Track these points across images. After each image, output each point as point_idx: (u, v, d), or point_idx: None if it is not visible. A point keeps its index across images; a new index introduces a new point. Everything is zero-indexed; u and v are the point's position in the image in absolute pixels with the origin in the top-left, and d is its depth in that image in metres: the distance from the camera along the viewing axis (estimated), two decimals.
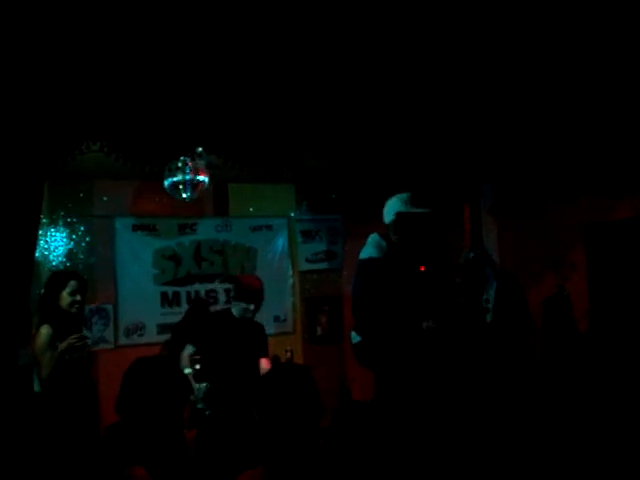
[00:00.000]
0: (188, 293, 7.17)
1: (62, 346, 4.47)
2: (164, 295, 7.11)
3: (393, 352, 4.19)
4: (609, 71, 4.35)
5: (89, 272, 6.54)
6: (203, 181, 5.86)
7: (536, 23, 4.10)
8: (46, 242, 6.59)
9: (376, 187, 6.92)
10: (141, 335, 6.95)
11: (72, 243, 6.77)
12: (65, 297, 4.59)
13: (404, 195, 4.47)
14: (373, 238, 4.47)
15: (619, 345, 5.49)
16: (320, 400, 2.05)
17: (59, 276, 4.83)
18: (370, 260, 4.33)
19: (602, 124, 4.71)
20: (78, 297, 4.65)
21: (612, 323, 5.81)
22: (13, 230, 3.48)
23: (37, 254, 5.33)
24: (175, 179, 5.77)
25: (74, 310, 4.64)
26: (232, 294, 5.99)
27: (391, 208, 4.49)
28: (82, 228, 6.84)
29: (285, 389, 2.01)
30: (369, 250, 4.42)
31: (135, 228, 7.14)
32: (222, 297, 7.44)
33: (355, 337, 4.59)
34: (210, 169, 5.76)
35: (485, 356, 5.32)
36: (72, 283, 4.64)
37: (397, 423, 3.87)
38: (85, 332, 4.76)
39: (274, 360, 6.36)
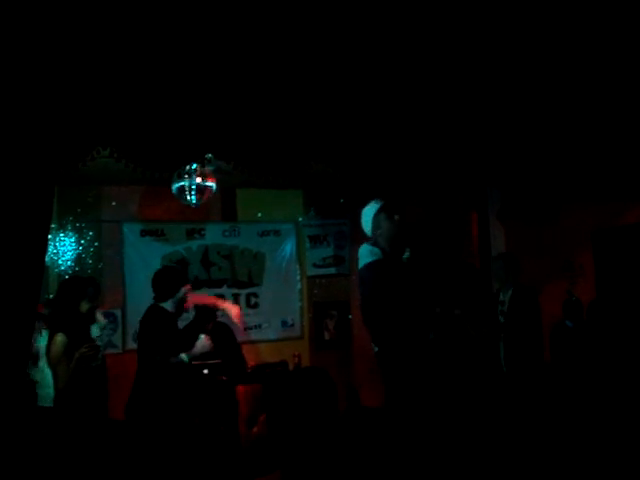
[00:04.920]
0: None
1: (76, 356, 4.47)
2: None
3: (406, 357, 4.17)
4: (619, 78, 4.34)
5: (97, 277, 6.56)
6: (211, 186, 5.90)
7: (543, 27, 4.11)
8: (55, 247, 6.62)
9: (383, 192, 6.94)
10: None
11: (81, 248, 6.80)
12: (85, 304, 4.61)
13: (376, 206, 4.41)
14: (365, 248, 4.40)
15: (627, 349, 5.48)
16: (337, 403, 2.06)
17: (78, 283, 4.83)
18: (368, 265, 4.29)
19: (611, 129, 4.70)
20: (96, 303, 4.69)
21: (619, 327, 5.80)
22: (24, 235, 3.50)
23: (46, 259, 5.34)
24: (183, 184, 5.81)
25: (90, 317, 4.67)
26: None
27: (370, 221, 4.42)
28: (91, 233, 6.87)
29: (305, 392, 2.02)
30: (364, 259, 4.37)
31: (143, 233, 7.17)
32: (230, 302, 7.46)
33: (374, 347, 4.56)
34: (218, 174, 5.78)
35: (494, 360, 5.32)
36: (90, 290, 4.66)
37: (408, 429, 3.86)
38: (97, 338, 4.78)
39: (281, 364, 6.38)
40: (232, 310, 5.76)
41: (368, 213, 4.47)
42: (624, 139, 4.75)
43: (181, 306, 5.02)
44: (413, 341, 4.21)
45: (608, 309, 5.96)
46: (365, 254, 4.35)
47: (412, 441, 3.81)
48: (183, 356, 4.77)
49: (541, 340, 5.57)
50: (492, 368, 5.41)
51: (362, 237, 7.35)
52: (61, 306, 4.62)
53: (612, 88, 4.43)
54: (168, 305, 4.91)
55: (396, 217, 4.40)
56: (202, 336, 5.00)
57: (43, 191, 3.60)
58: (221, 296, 7.39)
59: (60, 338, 4.46)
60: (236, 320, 5.73)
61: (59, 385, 4.45)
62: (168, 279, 5.02)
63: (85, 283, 4.77)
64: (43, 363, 4.69)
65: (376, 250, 4.33)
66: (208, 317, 6.30)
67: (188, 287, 5.04)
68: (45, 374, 4.65)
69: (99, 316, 5.07)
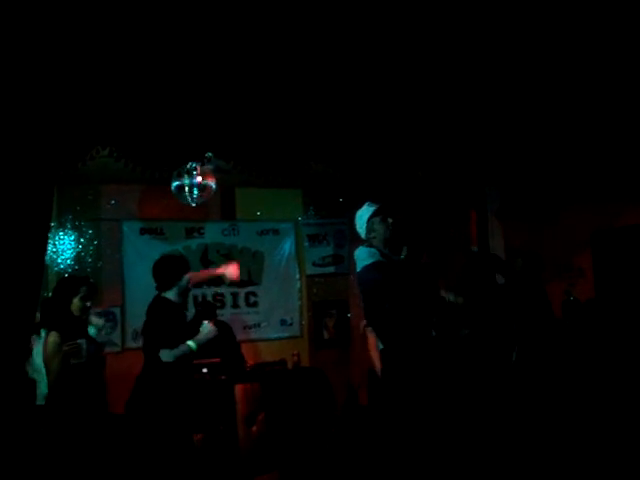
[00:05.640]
0: (195, 296, 7.18)
1: (62, 353, 4.47)
2: None
3: (412, 355, 4.16)
4: (618, 79, 4.35)
5: (97, 275, 6.57)
6: (210, 185, 5.89)
7: (542, 28, 4.11)
8: (54, 245, 6.62)
9: (382, 191, 6.94)
10: None
11: (80, 246, 6.80)
12: (76, 303, 4.57)
13: (370, 209, 4.41)
14: (362, 250, 4.37)
15: (625, 349, 5.50)
16: (335, 403, 2.07)
17: (70, 282, 4.79)
18: (370, 266, 4.28)
19: (611, 130, 4.71)
20: (89, 303, 4.64)
21: (618, 327, 5.81)
22: (24, 234, 3.50)
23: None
24: (182, 183, 5.80)
25: (84, 316, 4.63)
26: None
27: (364, 224, 4.43)
28: (90, 232, 6.87)
29: (302, 392, 2.03)
30: (364, 261, 4.36)
31: (142, 231, 7.17)
32: (229, 300, 7.47)
33: (379, 344, 4.54)
34: (217, 173, 5.78)
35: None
36: (83, 289, 4.62)
37: (408, 427, 3.87)
38: (94, 331, 4.77)
39: (280, 363, 6.38)
40: (229, 270, 5.34)
41: (362, 216, 4.45)
42: (624, 141, 4.76)
43: (185, 295, 4.92)
44: (418, 338, 4.20)
45: (606, 309, 5.98)
46: (363, 256, 4.34)
47: (410, 439, 3.82)
48: (190, 343, 4.67)
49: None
50: (496, 366, 5.39)
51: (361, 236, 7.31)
52: (54, 305, 4.60)
53: (612, 89, 4.44)
54: (172, 295, 4.81)
55: (390, 220, 4.39)
56: (205, 322, 4.93)
57: (43, 190, 3.61)
58: (220, 295, 7.42)
59: (53, 338, 4.45)
60: (236, 276, 5.51)
61: (50, 381, 4.46)
62: (169, 267, 4.88)
63: (78, 282, 4.72)
64: (39, 362, 4.69)
65: (374, 251, 4.32)
66: (208, 315, 6.31)
67: (190, 275, 4.94)
68: (41, 374, 4.65)
69: (94, 318, 5.04)
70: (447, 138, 4.76)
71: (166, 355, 4.59)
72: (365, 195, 6.56)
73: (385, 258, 4.28)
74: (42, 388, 4.61)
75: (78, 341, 4.50)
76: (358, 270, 4.36)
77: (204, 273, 5.51)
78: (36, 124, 3.48)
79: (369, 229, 4.38)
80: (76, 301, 4.56)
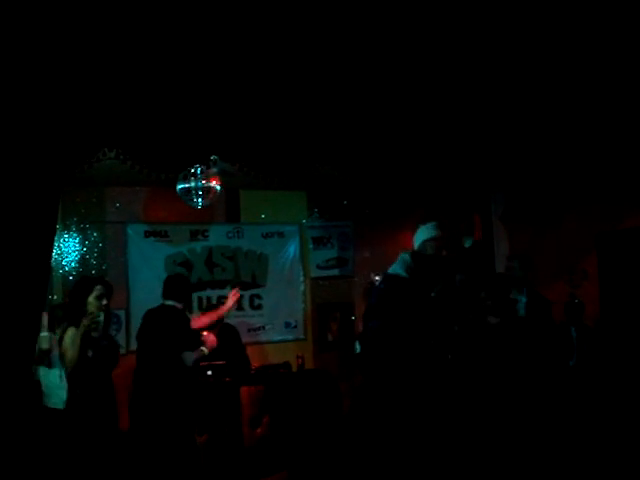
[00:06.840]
0: (200, 299, 7.19)
1: (81, 329, 4.54)
2: None
3: (395, 369, 4.17)
4: (621, 84, 4.36)
5: None
6: (215, 188, 5.90)
7: (545, 32, 4.12)
8: (59, 248, 6.62)
9: (387, 194, 6.94)
10: None
11: (85, 249, 6.81)
12: (92, 302, 4.65)
13: (433, 232, 4.51)
14: (403, 257, 4.46)
15: (630, 351, 5.49)
16: (341, 405, 2.07)
17: (86, 281, 4.92)
18: (394, 276, 4.33)
19: (614, 134, 4.72)
20: (104, 301, 4.71)
21: (623, 330, 5.81)
22: (30, 237, 3.52)
23: None
24: (188, 185, 5.81)
25: (105, 312, 4.75)
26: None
27: (419, 240, 4.52)
28: (95, 234, 6.89)
29: (308, 394, 2.03)
30: (397, 267, 4.41)
31: (147, 234, 7.18)
32: None
33: (357, 347, 4.59)
34: (222, 176, 5.80)
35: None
36: (98, 288, 4.71)
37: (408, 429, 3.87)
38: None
39: (285, 365, 6.38)
40: (231, 301, 6.03)
41: (422, 233, 4.52)
42: (626, 144, 4.77)
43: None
44: (410, 356, 4.22)
45: (612, 312, 5.98)
46: (401, 261, 4.39)
47: (415, 440, 3.82)
48: (204, 349, 4.91)
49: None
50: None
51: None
52: (71, 304, 4.72)
53: (615, 94, 4.44)
54: (177, 304, 5.02)
55: (444, 252, 4.46)
56: (205, 333, 5.15)
57: (50, 193, 3.62)
58: (225, 298, 7.41)
59: (71, 332, 4.56)
60: (234, 298, 6.00)
61: (67, 367, 4.55)
62: (186, 289, 5.30)
63: (92, 281, 4.86)
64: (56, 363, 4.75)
65: (409, 262, 4.37)
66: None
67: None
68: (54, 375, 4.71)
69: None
70: (453, 142, 4.77)
71: (189, 357, 4.80)
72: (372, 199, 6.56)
73: (412, 275, 4.32)
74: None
75: (96, 313, 4.61)
76: (389, 271, 4.42)
77: (210, 317, 5.85)
78: (43, 126, 3.49)
79: (420, 247, 4.43)
80: (92, 300, 4.65)
